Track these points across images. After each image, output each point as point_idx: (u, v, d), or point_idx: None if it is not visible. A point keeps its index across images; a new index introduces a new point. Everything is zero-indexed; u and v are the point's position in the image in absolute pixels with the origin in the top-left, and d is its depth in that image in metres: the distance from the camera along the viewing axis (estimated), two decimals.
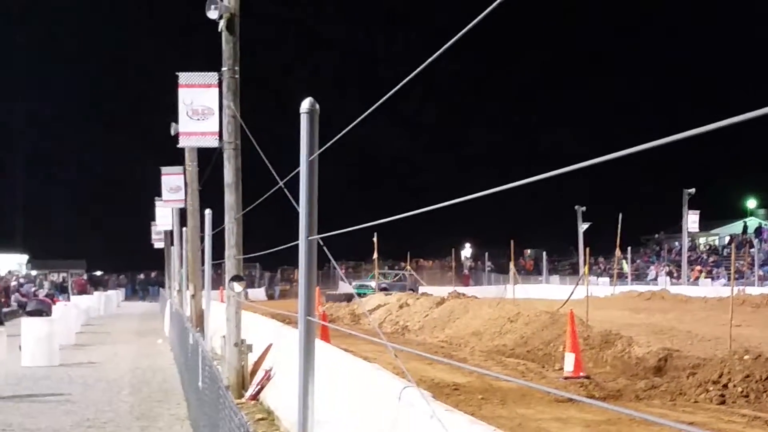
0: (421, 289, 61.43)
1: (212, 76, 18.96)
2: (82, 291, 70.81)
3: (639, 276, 78.78)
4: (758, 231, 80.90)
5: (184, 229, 32.79)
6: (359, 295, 59.17)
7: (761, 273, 67.26)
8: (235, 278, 18.13)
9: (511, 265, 59.03)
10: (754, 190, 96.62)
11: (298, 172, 7.28)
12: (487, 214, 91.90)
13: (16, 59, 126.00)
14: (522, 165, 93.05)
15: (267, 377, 17.19)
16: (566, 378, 20.80)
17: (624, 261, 76.16)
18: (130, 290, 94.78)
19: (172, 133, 25.77)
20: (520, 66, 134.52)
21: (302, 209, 7.10)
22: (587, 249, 45.76)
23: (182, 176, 32.44)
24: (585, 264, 45.56)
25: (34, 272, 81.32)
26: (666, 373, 21.15)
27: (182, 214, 35.10)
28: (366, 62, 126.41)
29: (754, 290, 54.38)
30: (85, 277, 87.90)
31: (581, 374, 20.86)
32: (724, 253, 76.96)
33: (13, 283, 58.87)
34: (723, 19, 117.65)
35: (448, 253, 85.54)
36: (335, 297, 61.51)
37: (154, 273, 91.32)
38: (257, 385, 17.35)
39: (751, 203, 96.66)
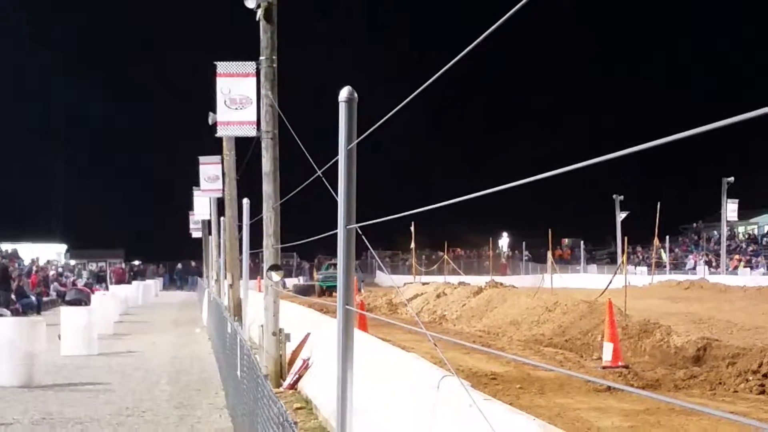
0: (457, 279, 60.77)
1: (250, 66, 19.01)
2: (120, 280, 71.20)
3: (677, 265, 78.46)
4: None
5: (221, 218, 32.88)
6: (327, 288, 57.43)
7: None
8: (273, 267, 18.16)
9: (549, 254, 58.90)
10: None
11: (336, 161, 7.27)
12: (525, 203, 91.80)
13: (48, 53, 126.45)
14: (559, 154, 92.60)
15: (305, 366, 17.23)
16: (605, 367, 20.73)
17: (662, 250, 75.82)
18: (168, 280, 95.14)
19: (210, 122, 25.85)
20: (559, 53, 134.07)
21: (341, 198, 7.10)
22: (625, 238, 45.49)
23: (220, 165, 32.54)
24: (623, 253, 45.29)
25: (72, 262, 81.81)
26: (705, 363, 21.02)
27: (220, 204, 35.22)
28: (406, 50, 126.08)
29: None
30: (123, 266, 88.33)
31: (620, 364, 20.77)
32: (764, 242, 76.61)
33: (52, 273, 59.24)
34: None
35: (485, 242, 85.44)
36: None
37: (193, 263, 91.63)
38: (295, 374, 17.39)
39: None
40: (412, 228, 68.36)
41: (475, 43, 5.21)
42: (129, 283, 67.92)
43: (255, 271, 34.52)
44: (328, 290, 56.39)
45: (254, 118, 19.09)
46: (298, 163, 14.48)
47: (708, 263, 74.95)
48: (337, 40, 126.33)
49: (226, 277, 30.43)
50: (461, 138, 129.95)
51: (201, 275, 65.94)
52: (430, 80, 5.94)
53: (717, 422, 13.53)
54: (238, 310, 25.82)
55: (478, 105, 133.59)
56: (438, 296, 42.64)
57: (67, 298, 42.65)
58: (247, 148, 25.19)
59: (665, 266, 74.44)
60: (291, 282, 70.15)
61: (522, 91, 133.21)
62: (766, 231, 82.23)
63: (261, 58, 18.45)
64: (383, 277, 77.25)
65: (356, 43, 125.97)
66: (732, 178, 72.24)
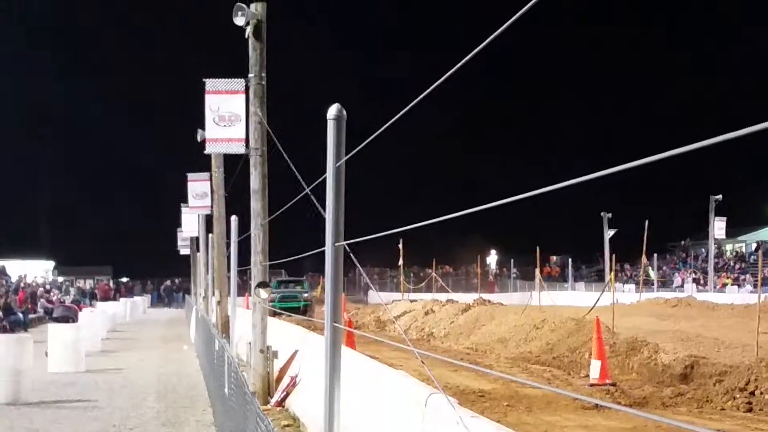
0: (445, 296, 60.58)
1: (239, 83, 19.01)
2: (106, 297, 71.12)
3: (665, 283, 78.50)
4: None
5: (210, 235, 32.86)
6: (289, 309, 44.95)
7: None
8: (261, 285, 18.13)
9: (537, 271, 58.93)
10: None
11: (324, 179, 7.29)
12: (513, 220, 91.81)
13: (42, 64, 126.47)
14: (547, 172, 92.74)
15: (293, 384, 17.21)
16: (592, 385, 20.77)
17: (650, 268, 75.84)
18: (155, 297, 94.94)
19: (199, 139, 25.83)
20: (547, 70, 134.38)
21: (329, 215, 7.12)
22: (613, 256, 45.52)
23: (208, 182, 32.49)
24: (611, 271, 45.33)
25: (60, 279, 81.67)
26: (692, 381, 21.06)
27: (208, 221, 35.19)
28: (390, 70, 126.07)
29: None
30: (111, 283, 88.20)
31: (607, 381, 20.82)
32: (751, 260, 76.53)
33: (40, 290, 59.15)
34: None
35: (473, 259, 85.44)
36: None
37: (179, 279, 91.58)
38: (283, 391, 17.37)
39: None
40: (401, 245, 68.33)
41: (460, 64, 5.24)
42: (115, 299, 67.82)
43: (243, 288, 34.49)
44: (285, 311, 41.20)
45: (243, 135, 19.07)
46: (287, 179, 14.49)
47: (696, 281, 74.97)
48: (328, 56, 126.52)
49: (214, 294, 30.40)
50: (451, 154, 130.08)
51: (189, 292, 65.88)
52: (417, 99, 5.97)
53: None
54: (225, 327, 25.80)
55: (467, 121, 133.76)
56: (426, 314, 42.68)
57: (55, 314, 42.59)
58: (235, 165, 25.18)
59: (653, 284, 74.47)
60: None
61: (511, 107, 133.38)
62: (753, 249, 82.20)
63: (250, 75, 18.44)
64: (371, 295, 77.19)
65: (347, 59, 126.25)
66: (720, 196, 72.32)
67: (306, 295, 52.60)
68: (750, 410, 17.45)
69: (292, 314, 35.15)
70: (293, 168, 13.93)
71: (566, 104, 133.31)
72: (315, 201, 9.54)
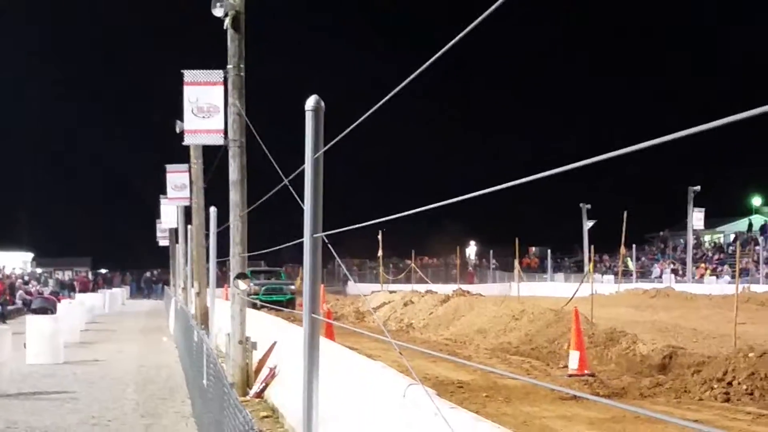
0: (424, 287, 60.50)
1: (217, 74, 18.99)
2: (85, 288, 70.94)
3: (644, 274, 78.59)
4: (763, 229, 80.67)
5: (189, 226, 32.82)
6: (274, 302, 43.36)
7: (767, 271, 66.99)
8: (240, 276, 18.13)
9: (516, 262, 58.98)
10: (759, 187, 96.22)
11: (303, 170, 7.28)
12: (492, 211, 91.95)
13: (20, 58, 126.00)
14: (526, 162, 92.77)
15: (271, 375, 17.21)
16: (571, 376, 20.80)
17: (629, 259, 75.95)
18: (134, 288, 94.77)
19: (178, 130, 25.78)
20: (525, 63, 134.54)
21: (307, 207, 7.11)
22: (592, 247, 45.55)
23: (187, 174, 32.47)
24: (590, 261, 45.41)
25: (39, 270, 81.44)
26: (671, 371, 21.11)
27: (187, 212, 35.16)
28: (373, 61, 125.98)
29: (759, 288, 54.17)
30: (90, 275, 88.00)
31: (586, 372, 20.85)
32: (729, 251, 76.73)
33: (18, 281, 58.98)
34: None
35: (452, 250, 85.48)
36: None
37: (158, 271, 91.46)
38: (262, 382, 17.37)
39: (757, 201, 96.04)
40: (380, 236, 68.30)
41: (439, 54, 5.24)
42: (94, 291, 67.67)
43: (222, 280, 34.42)
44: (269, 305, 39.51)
45: (221, 127, 19.06)
46: (266, 171, 14.47)
47: (674, 272, 75.07)
48: (306, 47, 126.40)
49: (193, 286, 30.37)
50: (429, 144, 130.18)
51: (168, 283, 65.79)
52: (395, 90, 5.97)
53: (682, 431, 13.59)
54: (204, 318, 25.79)
55: (446, 110, 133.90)
56: (405, 305, 42.62)
57: (33, 306, 42.44)
58: (214, 156, 25.15)
59: (632, 275, 74.55)
60: None
61: (488, 97, 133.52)
62: (732, 239, 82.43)
63: (228, 66, 18.41)
64: (351, 286, 77.22)
65: (326, 51, 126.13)
66: (698, 187, 72.50)
67: (292, 287, 52.14)
68: (727, 400, 17.50)
69: (277, 308, 34.60)
70: (271, 159, 13.91)
71: (548, 95, 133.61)
72: (294, 192, 9.53)
